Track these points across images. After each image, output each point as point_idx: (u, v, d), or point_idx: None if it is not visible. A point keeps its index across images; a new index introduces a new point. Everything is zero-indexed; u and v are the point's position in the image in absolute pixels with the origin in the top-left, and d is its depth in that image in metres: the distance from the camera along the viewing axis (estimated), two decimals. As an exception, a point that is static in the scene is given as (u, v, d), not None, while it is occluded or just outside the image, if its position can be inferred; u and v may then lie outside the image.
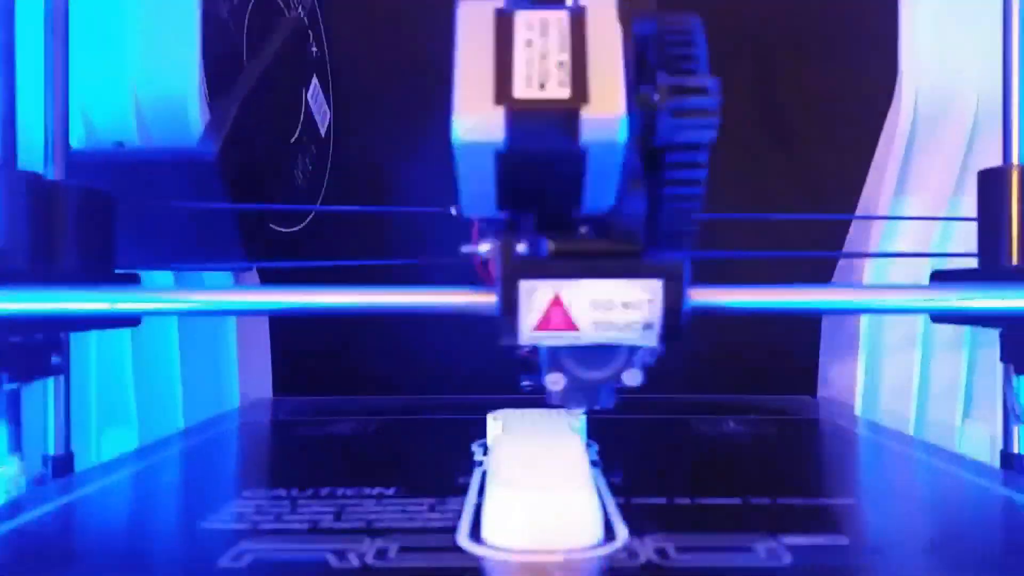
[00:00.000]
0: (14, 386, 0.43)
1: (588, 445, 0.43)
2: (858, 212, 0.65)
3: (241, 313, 0.55)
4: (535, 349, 0.39)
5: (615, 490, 0.36)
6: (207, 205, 0.55)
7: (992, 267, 0.45)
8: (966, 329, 0.62)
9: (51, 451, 0.48)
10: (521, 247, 0.34)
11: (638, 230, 0.35)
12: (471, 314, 0.36)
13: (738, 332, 0.76)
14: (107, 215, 0.45)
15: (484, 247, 0.35)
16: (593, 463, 0.40)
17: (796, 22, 0.79)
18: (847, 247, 0.68)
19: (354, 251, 0.59)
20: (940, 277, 0.51)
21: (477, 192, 0.32)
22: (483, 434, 0.45)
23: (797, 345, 0.73)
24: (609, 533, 0.30)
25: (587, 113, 0.29)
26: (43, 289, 0.38)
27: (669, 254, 0.35)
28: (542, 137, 0.29)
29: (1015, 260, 0.44)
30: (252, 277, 0.68)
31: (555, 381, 0.37)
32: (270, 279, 0.67)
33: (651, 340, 0.35)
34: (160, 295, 0.40)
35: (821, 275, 0.70)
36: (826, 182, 0.73)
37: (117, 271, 0.45)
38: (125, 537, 0.33)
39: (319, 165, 0.78)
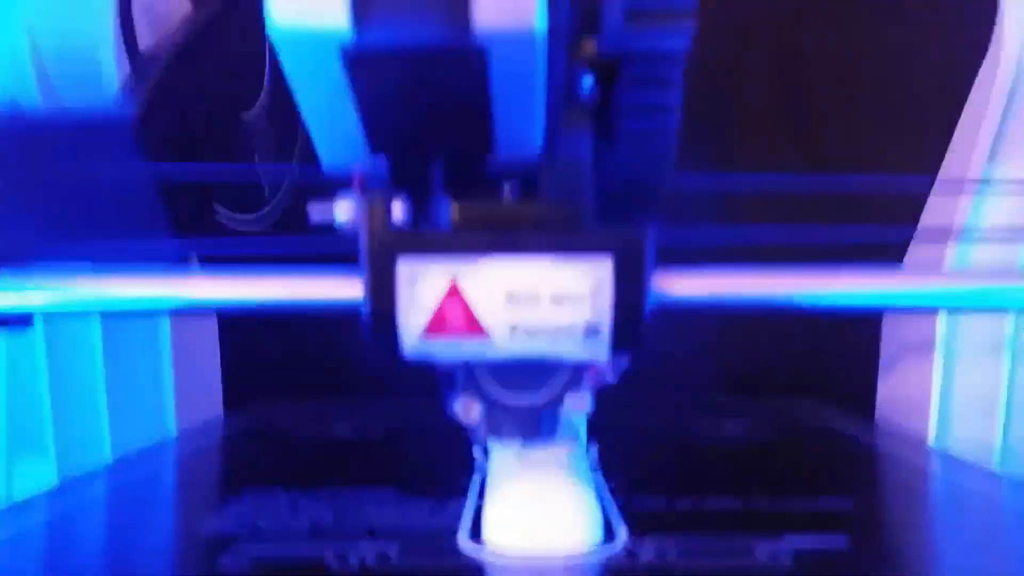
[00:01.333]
0: None
1: (588, 447, 0.41)
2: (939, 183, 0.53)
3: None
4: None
5: (615, 492, 0.36)
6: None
7: None
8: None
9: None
10: (398, 208, 0.24)
11: (582, 187, 0.24)
12: (334, 309, 0.25)
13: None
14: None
15: (343, 209, 0.25)
16: (593, 465, 0.40)
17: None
18: (923, 227, 0.56)
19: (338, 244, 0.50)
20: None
21: (331, 124, 0.22)
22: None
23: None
24: (609, 534, 0.30)
25: None
26: None
27: (623, 223, 0.24)
28: (410, 20, 0.19)
29: None
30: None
31: (467, 407, 0.27)
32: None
33: (598, 351, 0.24)
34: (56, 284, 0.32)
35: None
36: (899, 161, 0.61)
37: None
38: (129, 538, 0.33)
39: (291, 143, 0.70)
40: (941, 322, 0.53)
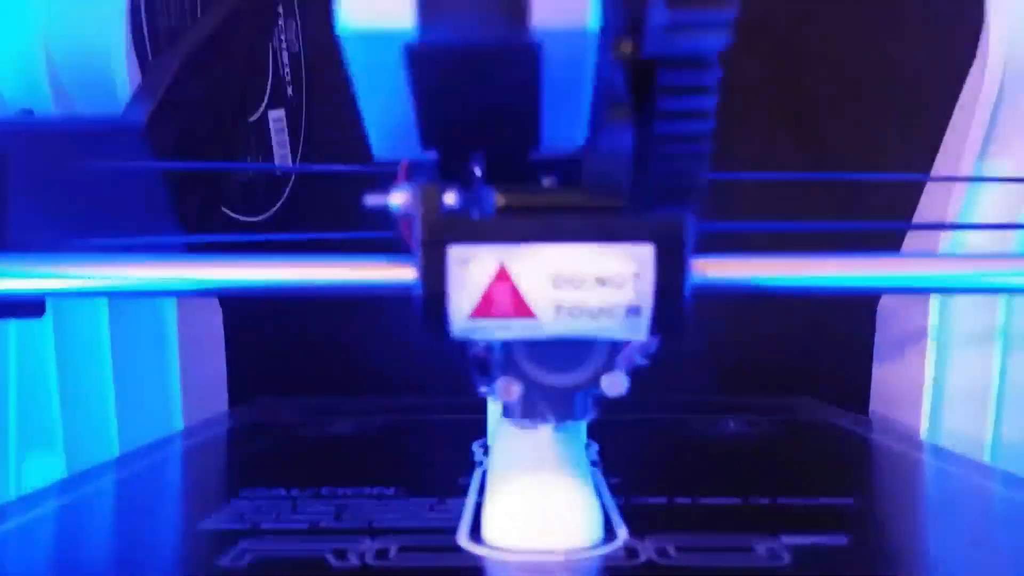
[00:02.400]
0: None
1: (588, 445, 0.42)
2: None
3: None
4: (488, 344, 0.30)
5: (615, 490, 0.36)
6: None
7: None
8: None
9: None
10: (450, 197, 0.25)
11: (622, 179, 0.26)
12: (386, 293, 0.27)
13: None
14: (-2, 176, 0.40)
15: (398, 197, 0.26)
16: (593, 463, 0.41)
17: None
18: (917, 220, 0.59)
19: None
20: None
21: (387, 118, 0.23)
22: (483, 434, 0.45)
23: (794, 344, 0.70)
24: (609, 533, 0.30)
25: None
26: None
27: (664, 211, 0.25)
28: (471, 22, 0.20)
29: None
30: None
31: (508, 389, 0.28)
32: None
33: (638, 332, 0.26)
34: (84, 270, 0.32)
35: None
36: (894, 159, 0.65)
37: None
38: (127, 537, 0.34)
39: (290, 145, 0.72)
40: (933, 312, 0.55)
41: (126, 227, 0.50)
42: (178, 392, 0.60)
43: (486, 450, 0.43)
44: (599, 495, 0.31)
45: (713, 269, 0.27)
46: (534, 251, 0.25)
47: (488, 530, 0.30)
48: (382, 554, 0.29)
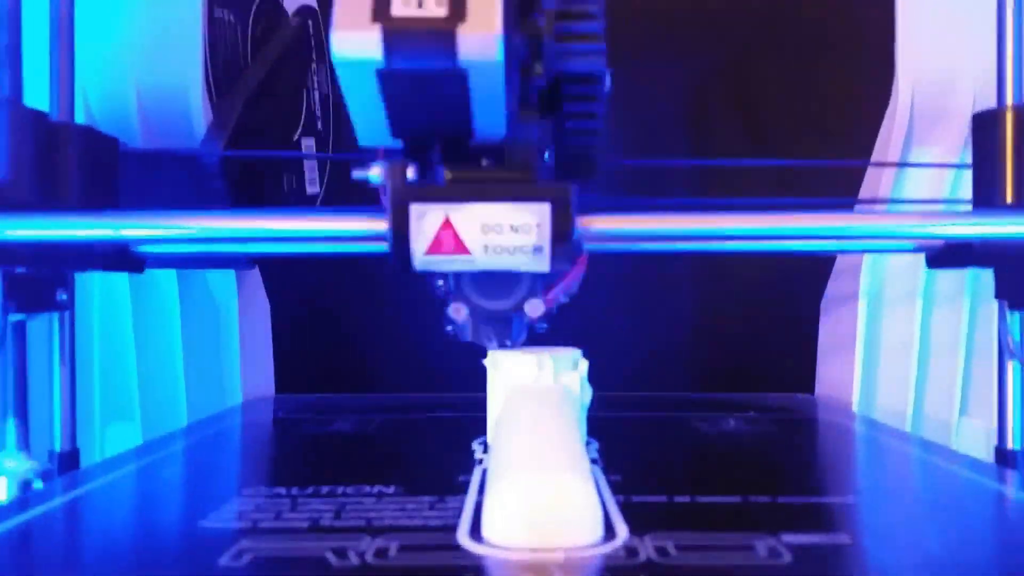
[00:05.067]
0: (21, 316, 0.47)
1: (588, 443, 0.44)
2: (859, 200, 0.66)
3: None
4: (447, 287, 0.41)
5: (615, 488, 0.37)
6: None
7: (986, 206, 0.46)
8: (963, 324, 0.63)
9: (57, 447, 0.52)
10: (410, 171, 0.36)
11: (531, 159, 0.37)
12: (363, 239, 0.38)
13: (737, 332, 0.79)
14: (111, 157, 0.49)
15: (375, 172, 0.37)
16: (593, 461, 0.41)
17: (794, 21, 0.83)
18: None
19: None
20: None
21: (367, 117, 0.34)
22: (483, 432, 0.45)
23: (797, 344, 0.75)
24: (609, 531, 0.30)
25: (463, 31, 0.31)
26: (46, 216, 0.42)
27: (558, 180, 0.36)
28: (419, 55, 0.31)
29: (1009, 199, 0.45)
30: (255, 277, 0.72)
31: (457, 310, 0.39)
32: (272, 271, 0.72)
33: (542, 264, 0.37)
34: (160, 222, 0.43)
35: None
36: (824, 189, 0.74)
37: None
38: (127, 535, 0.34)
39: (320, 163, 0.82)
40: (861, 319, 0.64)
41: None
42: (237, 373, 0.70)
43: (486, 448, 0.44)
44: (599, 493, 0.31)
45: (593, 222, 0.38)
46: (469, 208, 0.36)
47: (488, 529, 0.30)
48: (382, 553, 0.29)
